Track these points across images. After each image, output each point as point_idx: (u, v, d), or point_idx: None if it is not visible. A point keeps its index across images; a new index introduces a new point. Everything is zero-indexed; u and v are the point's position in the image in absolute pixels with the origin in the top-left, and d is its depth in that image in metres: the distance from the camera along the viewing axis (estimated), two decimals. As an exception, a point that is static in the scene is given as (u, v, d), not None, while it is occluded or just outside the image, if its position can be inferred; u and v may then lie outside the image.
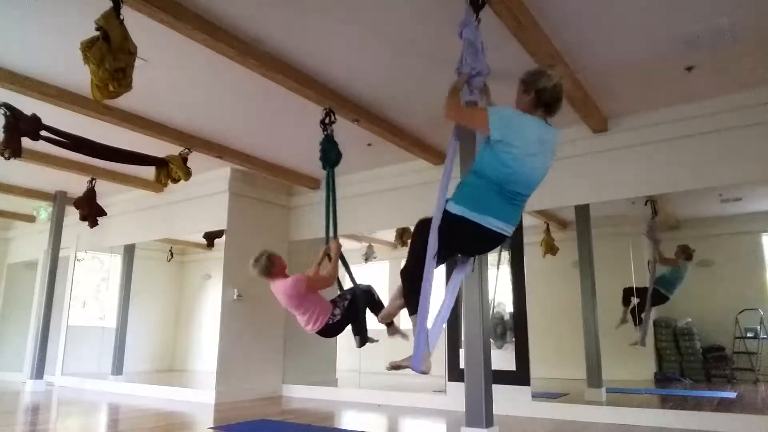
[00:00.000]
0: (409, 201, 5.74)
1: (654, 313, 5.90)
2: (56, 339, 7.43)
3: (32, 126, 4.22)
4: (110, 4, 2.82)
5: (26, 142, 4.32)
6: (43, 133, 4.30)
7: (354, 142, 5.05)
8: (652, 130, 4.53)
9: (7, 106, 4.13)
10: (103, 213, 6.56)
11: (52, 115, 4.34)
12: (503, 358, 4.90)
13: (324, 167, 4.16)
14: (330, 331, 3.79)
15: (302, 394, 6.24)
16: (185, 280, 8.76)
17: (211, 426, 4.39)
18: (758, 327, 5.47)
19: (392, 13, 3.22)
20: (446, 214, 2.36)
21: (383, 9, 3.17)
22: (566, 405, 4.67)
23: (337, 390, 6.31)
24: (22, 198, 7.23)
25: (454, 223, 2.32)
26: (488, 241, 2.41)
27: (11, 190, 6.92)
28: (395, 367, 2.60)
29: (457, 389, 4.90)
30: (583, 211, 5.28)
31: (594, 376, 5.13)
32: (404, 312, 2.65)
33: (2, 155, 4.23)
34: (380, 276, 7.40)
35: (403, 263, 2.59)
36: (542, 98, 2.28)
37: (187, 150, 5.21)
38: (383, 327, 3.79)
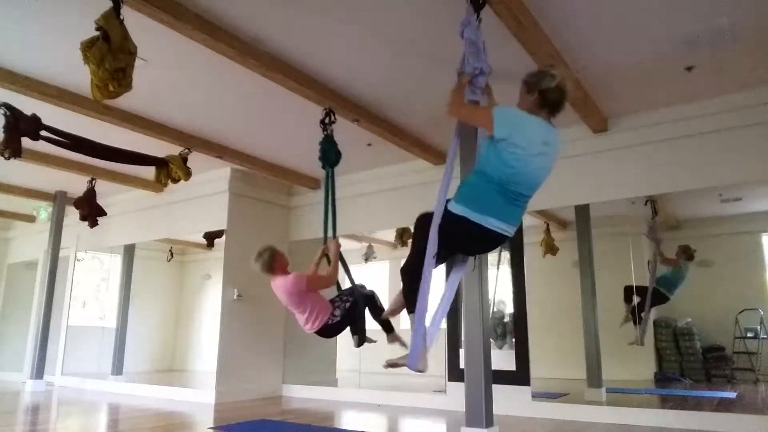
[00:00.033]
0: (409, 201, 5.74)
1: (654, 313, 5.90)
2: (56, 339, 7.43)
3: (32, 126, 4.22)
4: (110, 4, 2.82)
5: (26, 142, 4.32)
6: (43, 133, 4.30)
7: (354, 142, 5.05)
8: (652, 130, 4.53)
9: (7, 106, 4.14)
10: (103, 213, 6.57)
11: (52, 115, 4.34)
12: (503, 358, 4.90)
13: (323, 167, 4.16)
14: (329, 331, 3.79)
15: (302, 394, 6.24)
16: (185, 280, 8.76)
17: (211, 426, 4.39)
18: (758, 327, 5.47)
19: (392, 13, 3.22)
20: (448, 213, 2.35)
21: (383, 9, 3.17)
22: (566, 405, 4.67)
23: (337, 390, 6.31)
24: (22, 198, 7.23)
25: (456, 222, 2.32)
26: (489, 241, 2.41)
27: (11, 190, 6.92)
28: (392, 365, 2.61)
29: (457, 389, 4.90)
30: (583, 211, 5.29)
31: (594, 376, 5.13)
32: (405, 316, 2.64)
33: (2, 155, 4.23)
34: (380, 276, 7.40)
35: (403, 262, 2.59)
36: (547, 98, 2.28)
37: (187, 150, 5.21)
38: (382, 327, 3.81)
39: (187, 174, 5.21)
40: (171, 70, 3.95)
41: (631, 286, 5.64)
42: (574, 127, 4.64)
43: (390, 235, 7.03)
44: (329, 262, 3.99)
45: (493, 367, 3.53)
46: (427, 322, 2.45)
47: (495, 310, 5.43)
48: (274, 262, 3.82)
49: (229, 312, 5.97)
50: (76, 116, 4.44)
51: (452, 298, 2.62)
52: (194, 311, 8.54)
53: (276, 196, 6.74)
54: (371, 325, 3.81)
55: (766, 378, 5.45)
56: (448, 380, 5.24)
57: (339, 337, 4.07)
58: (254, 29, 3.39)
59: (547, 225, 6.00)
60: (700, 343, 5.78)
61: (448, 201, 2.42)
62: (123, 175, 6.33)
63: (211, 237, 6.87)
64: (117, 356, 7.43)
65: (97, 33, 2.81)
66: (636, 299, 5.59)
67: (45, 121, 4.28)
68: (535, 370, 4.85)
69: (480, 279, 3.53)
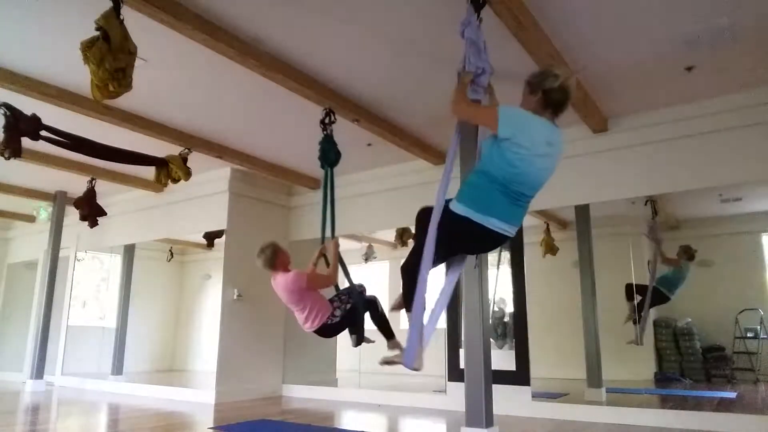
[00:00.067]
0: (409, 201, 5.74)
1: (654, 313, 5.91)
2: (56, 339, 7.43)
3: (32, 126, 4.22)
4: (110, 4, 2.82)
5: (26, 142, 4.32)
6: (43, 133, 4.30)
7: (354, 142, 5.06)
8: (652, 130, 4.53)
9: (7, 106, 4.14)
10: (103, 213, 6.57)
11: (52, 115, 4.34)
12: (503, 358, 4.90)
13: (322, 166, 4.16)
14: (328, 331, 3.79)
15: (302, 394, 6.24)
16: (185, 280, 8.76)
17: (211, 426, 4.39)
18: (758, 327, 5.47)
19: (392, 13, 3.22)
20: (450, 213, 2.34)
21: (383, 9, 3.17)
22: (566, 405, 4.67)
23: (337, 390, 6.31)
24: (22, 198, 7.23)
25: (457, 222, 2.31)
26: (490, 241, 2.40)
27: (11, 190, 6.92)
28: (388, 362, 2.63)
29: (457, 389, 4.90)
30: (583, 211, 5.29)
31: (594, 376, 5.13)
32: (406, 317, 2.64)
33: (2, 155, 4.23)
34: (380, 276, 7.41)
35: (404, 260, 2.59)
36: (550, 98, 2.27)
37: (187, 150, 5.21)
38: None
39: (187, 174, 5.21)
40: (171, 70, 3.95)
41: (633, 284, 5.64)
42: (574, 127, 4.64)
43: (390, 235, 7.04)
44: (327, 261, 3.99)
45: (493, 367, 3.54)
46: (425, 321, 2.45)
47: (496, 309, 5.43)
48: (276, 259, 3.82)
49: (229, 312, 5.97)
50: (76, 116, 4.44)
51: (449, 297, 2.62)
52: (194, 311, 8.54)
53: (276, 196, 6.74)
54: (370, 324, 3.81)
55: (766, 378, 5.45)
56: (448, 380, 5.24)
57: (339, 336, 4.07)
58: (254, 29, 3.39)
59: (547, 225, 6.00)
60: (700, 343, 5.78)
61: (449, 200, 2.41)
62: (123, 175, 6.34)
63: (211, 237, 6.87)
64: (117, 356, 7.43)
65: (97, 33, 2.81)
66: (638, 298, 5.59)
67: (45, 121, 4.28)
68: (535, 370, 4.85)
69: (480, 279, 3.53)
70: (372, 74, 4.00)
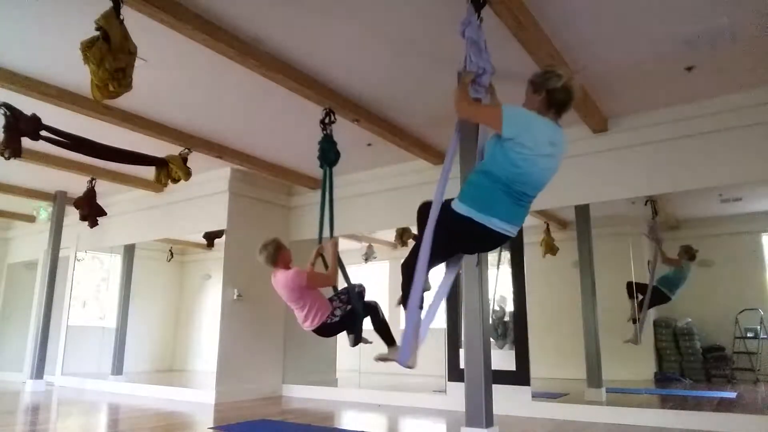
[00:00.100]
0: (409, 201, 5.71)
1: (654, 313, 5.91)
2: (56, 339, 7.43)
3: (32, 126, 4.22)
4: (110, 4, 2.82)
5: (26, 142, 4.32)
6: (43, 133, 4.30)
7: (354, 142, 5.06)
8: (652, 130, 4.53)
9: (7, 106, 4.14)
10: (103, 213, 6.57)
11: (52, 115, 4.34)
12: (503, 358, 4.90)
13: (321, 166, 4.15)
14: (327, 330, 3.79)
15: (302, 394, 6.24)
16: (185, 280, 8.76)
17: (211, 426, 4.39)
18: (758, 327, 5.47)
19: (392, 13, 3.22)
20: (452, 212, 2.34)
21: (383, 9, 3.17)
22: (566, 405, 4.67)
23: (337, 390, 6.31)
24: (22, 198, 7.23)
25: (459, 222, 2.31)
26: (492, 241, 2.41)
27: (11, 190, 6.92)
28: (382, 359, 2.63)
29: (457, 389, 4.90)
30: (583, 211, 5.29)
31: (594, 376, 5.13)
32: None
33: (2, 155, 4.23)
34: (380, 276, 7.41)
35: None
36: (554, 98, 2.27)
37: (187, 150, 5.21)
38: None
39: (187, 174, 5.22)
40: (171, 70, 3.95)
41: (634, 283, 5.64)
42: (574, 127, 4.64)
43: (390, 235, 7.04)
44: (324, 261, 3.99)
45: (493, 367, 3.53)
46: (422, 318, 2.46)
47: (497, 308, 5.43)
48: (278, 255, 3.83)
49: (229, 312, 5.97)
50: (76, 116, 4.44)
51: (445, 295, 2.63)
52: (194, 311, 8.54)
53: (276, 196, 6.74)
54: (368, 325, 3.81)
55: (766, 378, 5.45)
56: (448, 380, 5.24)
57: (339, 336, 4.07)
58: (254, 29, 3.39)
59: (547, 225, 6.01)
60: (700, 343, 5.78)
61: (451, 200, 2.41)
62: (123, 175, 6.33)
63: (211, 237, 6.87)
64: (117, 356, 7.43)
65: (97, 33, 2.81)
66: (639, 297, 5.59)
67: (45, 121, 4.28)
68: (535, 370, 4.85)
69: (480, 279, 3.53)
70: (372, 74, 4.00)
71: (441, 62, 3.73)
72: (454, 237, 2.39)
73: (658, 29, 3.38)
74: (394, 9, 3.17)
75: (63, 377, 7.44)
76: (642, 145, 4.56)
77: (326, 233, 4.00)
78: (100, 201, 6.56)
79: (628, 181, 4.60)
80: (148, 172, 5.52)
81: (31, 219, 8.35)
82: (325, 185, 4.07)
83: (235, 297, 6.01)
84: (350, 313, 3.74)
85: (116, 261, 7.84)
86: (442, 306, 5.29)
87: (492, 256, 4.56)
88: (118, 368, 7.38)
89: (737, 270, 5.63)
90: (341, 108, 4.30)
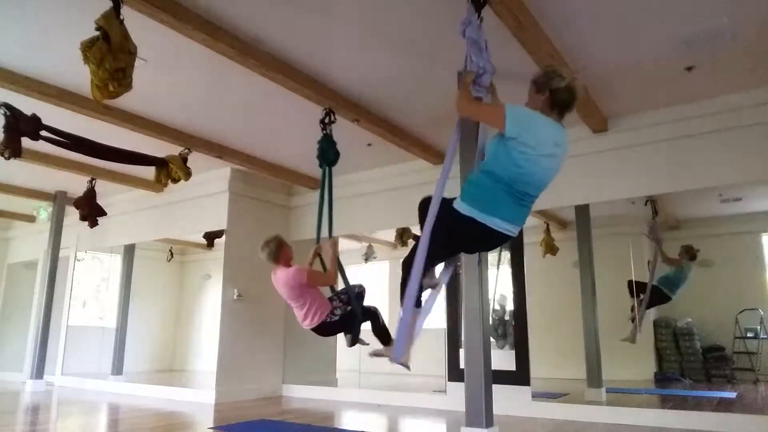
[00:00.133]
0: (409, 201, 5.69)
1: (654, 313, 5.91)
2: (56, 339, 7.43)
3: (32, 126, 4.22)
4: (110, 4, 2.82)
5: (26, 142, 4.32)
6: (43, 133, 4.30)
7: (354, 142, 5.06)
8: (652, 130, 4.53)
9: (7, 106, 4.14)
10: (103, 213, 6.57)
11: (52, 115, 4.34)
12: (503, 358, 4.90)
13: (321, 165, 4.14)
14: (326, 329, 3.79)
15: (302, 394, 6.24)
16: (185, 280, 8.76)
17: (211, 426, 4.39)
18: (758, 327, 5.47)
19: (392, 13, 3.22)
20: (454, 212, 2.33)
21: (383, 9, 3.17)
22: (566, 405, 4.67)
23: (337, 390, 6.31)
24: (22, 198, 7.23)
25: (461, 222, 2.31)
26: (493, 241, 2.41)
27: (11, 190, 6.92)
28: (377, 354, 2.64)
29: (457, 389, 4.90)
30: (583, 211, 5.29)
31: (594, 376, 5.13)
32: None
33: (2, 155, 4.23)
34: (380, 276, 7.41)
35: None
36: (557, 98, 2.26)
37: (187, 150, 5.21)
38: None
39: (187, 174, 5.21)
40: (171, 70, 3.95)
41: (635, 281, 5.64)
42: (574, 127, 4.64)
43: (390, 235, 7.03)
44: (322, 261, 3.99)
45: (493, 367, 3.53)
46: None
47: (497, 307, 5.43)
48: (279, 252, 3.83)
49: (229, 312, 5.97)
50: (76, 116, 4.44)
51: (439, 294, 2.63)
52: (194, 311, 8.54)
53: (276, 196, 6.74)
54: (366, 326, 3.81)
55: (766, 378, 5.45)
56: (448, 380, 5.24)
57: (339, 336, 4.07)
58: (254, 29, 3.39)
59: (547, 225, 6.00)
60: (700, 343, 5.78)
61: (452, 199, 2.41)
62: (123, 175, 6.33)
63: (211, 237, 6.87)
64: (117, 356, 7.43)
65: (97, 33, 2.81)
66: (641, 296, 5.60)
67: (45, 121, 4.28)
68: (535, 370, 4.85)
69: (480, 279, 3.53)
70: (372, 74, 4.00)
71: (441, 62, 3.73)
72: (455, 237, 2.39)
73: (658, 29, 3.38)
74: (394, 9, 3.17)
75: (63, 377, 7.44)
76: (642, 145, 4.56)
77: (325, 233, 4.00)
78: (100, 201, 6.56)
79: (628, 181, 4.60)
80: (148, 172, 5.52)
81: (31, 219, 8.35)
82: (324, 185, 4.06)
83: (235, 297, 6.01)
84: (350, 313, 3.74)
85: (116, 261, 7.84)
86: (442, 306, 5.34)
87: (492, 256, 4.55)
88: (118, 368, 7.38)
89: (737, 270, 5.63)
90: (341, 108, 4.30)
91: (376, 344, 3.75)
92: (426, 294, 2.61)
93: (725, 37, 3.40)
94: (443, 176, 2.50)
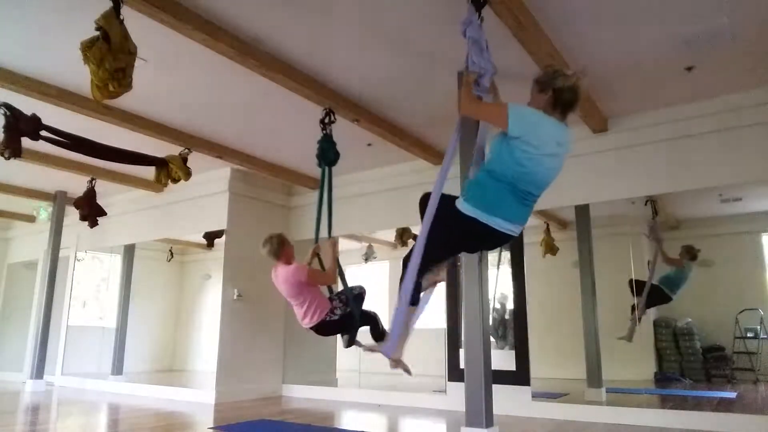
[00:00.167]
0: (409, 201, 5.70)
1: (654, 313, 5.91)
2: (56, 339, 7.43)
3: (32, 126, 4.22)
4: (110, 4, 2.82)
5: (26, 142, 4.32)
6: (43, 133, 4.30)
7: (354, 142, 5.06)
8: (652, 130, 4.53)
9: (7, 106, 4.14)
10: (103, 213, 6.57)
11: (52, 115, 4.34)
12: (503, 358, 4.90)
13: (319, 164, 4.13)
14: (326, 328, 3.79)
15: (302, 394, 6.24)
16: (185, 280, 8.76)
17: (211, 426, 4.39)
18: (758, 327, 5.47)
19: (392, 13, 3.22)
20: (456, 212, 2.32)
21: (383, 9, 3.17)
22: (566, 405, 4.67)
23: (337, 390, 6.31)
24: (22, 198, 7.23)
25: (464, 222, 2.30)
26: (495, 240, 2.41)
27: (11, 190, 6.92)
28: (370, 349, 2.67)
29: (457, 389, 4.90)
30: (583, 211, 5.29)
31: (594, 376, 5.13)
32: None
33: (2, 155, 4.23)
34: (380, 276, 7.41)
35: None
36: (560, 98, 2.26)
37: (187, 150, 5.22)
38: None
39: (187, 174, 5.21)
40: (171, 70, 3.95)
41: (636, 280, 5.63)
42: (574, 127, 4.58)
43: (390, 235, 7.03)
44: (320, 261, 3.99)
45: (493, 367, 3.53)
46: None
47: (497, 306, 5.43)
48: (281, 249, 3.85)
49: (229, 312, 5.97)
50: (76, 116, 4.44)
51: (430, 296, 2.63)
52: (194, 311, 8.54)
53: (276, 196, 6.74)
54: (364, 330, 3.81)
55: (766, 378, 5.45)
56: (448, 380, 5.24)
57: (338, 336, 4.07)
58: (254, 29, 3.39)
59: (547, 225, 6.00)
60: (700, 343, 5.78)
61: (454, 198, 2.40)
62: (123, 175, 6.33)
63: (211, 237, 6.87)
64: (117, 356, 7.43)
65: (97, 33, 2.81)
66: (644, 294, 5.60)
67: (45, 121, 4.28)
68: (535, 370, 4.85)
69: (480, 279, 3.53)
70: (372, 74, 4.00)
71: (441, 62, 3.73)
72: (457, 236, 2.39)
73: (658, 29, 3.38)
74: (394, 9, 3.17)
75: (63, 377, 7.44)
76: (642, 145, 4.56)
77: (324, 233, 4.00)
78: (100, 201, 6.56)
79: (628, 181, 4.60)
80: (148, 172, 5.52)
81: (31, 219, 8.35)
82: (324, 185, 4.06)
83: (235, 297, 6.01)
84: (350, 314, 3.75)
85: (116, 261, 7.84)
86: (443, 306, 5.34)
87: (492, 256, 4.56)
88: (118, 368, 7.38)
89: (737, 270, 5.62)
90: (341, 108, 4.30)
91: (365, 357, 3.76)
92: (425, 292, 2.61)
93: (725, 37, 3.40)
94: (442, 175, 2.50)
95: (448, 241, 2.43)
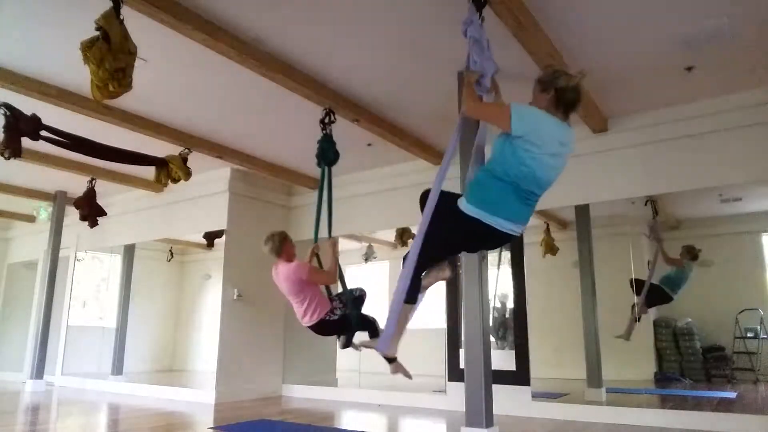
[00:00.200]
0: (409, 201, 5.69)
1: (654, 313, 5.91)
2: (56, 339, 7.43)
3: (32, 126, 4.22)
4: (110, 4, 2.82)
5: (26, 142, 4.32)
6: (43, 133, 4.30)
7: (354, 142, 5.06)
8: (652, 130, 4.53)
9: (7, 106, 4.14)
10: (103, 213, 6.57)
11: (52, 115, 4.34)
12: (503, 358, 4.90)
13: (319, 164, 4.12)
14: (325, 327, 3.78)
15: (302, 394, 6.24)
16: (185, 280, 8.76)
17: (211, 426, 4.39)
18: (758, 327, 5.47)
19: (392, 13, 3.22)
20: (459, 213, 2.31)
21: (383, 9, 3.17)
22: (566, 405, 4.67)
23: (337, 390, 6.31)
24: (22, 198, 7.23)
25: (466, 222, 2.29)
26: (497, 241, 2.41)
27: (11, 190, 6.92)
28: (365, 345, 2.81)
29: (457, 389, 4.90)
30: (583, 211, 5.29)
31: (594, 376, 5.13)
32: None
33: (2, 155, 4.23)
34: (380, 276, 7.41)
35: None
36: (563, 98, 2.25)
37: (187, 150, 5.22)
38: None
39: (187, 174, 5.22)
40: (171, 70, 3.95)
41: (638, 279, 5.63)
42: (574, 127, 4.59)
43: (390, 235, 7.03)
44: (320, 261, 3.99)
45: (493, 367, 3.53)
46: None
47: (498, 305, 5.43)
48: (283, 247, 3.85)
49: (229, 312, 5.97)
50: (76, 116, 4.44)
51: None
52: (194, 311, 8.54)
53: (276, 196, 6.74)
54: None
55: (766, 378, 5.45)
56: (448, 380, 5.24)
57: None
58: (254, 29, 3.39)
59: (547, 225, 6.00)
60: (700, 343, 5.78)
61: (456, 197, 2.39)
62: (123, 175, 6.34)
63: (211, 237, 6.87)
64: (117, 356, 7.43)
65: (97, 33, 2.81)
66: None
67: (45, 121, 4.28)
68: (535, 370, 4.85)
69: (480, 279, 3.53)
70: (372, 74, 4.00)
71: (441, 62, 3.73)
72: (459, 236, 2.38)
73: (658, 29, 3.38)
74: (395, 9, 3.17)
75: (63, 377, 7.44)
76: (642, 145, 4.56)
77: (324, 233, 3.99)
78: (100, 201, 6.56)
79: (628, 181, 4.60)
80: (148, 172, 5.52)
81: (31, 219, 8.35)
82: (323, 185, 4.05)
83: (235, 297, 6.01)
84: (347, 317, 3.74)
85: (116, 261, 7.84)
86: (443, 306, 5.34)
87: (492, 256, 4.56)
88: (118, 368, 7.37)
89: (737, 270, 5.62)
90: (341, 108, 4.30)
91: (369, 352, 3.76)
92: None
93: (725, 37, 3.40)
94: (441, 174, 2.49)
95: (450, 241, 2.43)
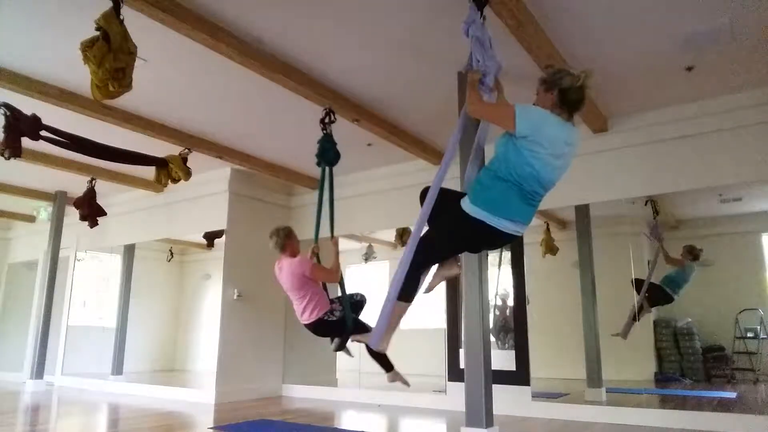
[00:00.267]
0: (410, 201, 5.70)
1: (654, 313, 5.90)
2: (56, 339, 7.43)
3: (32, 126, 4.22)
4: (110, 4, 2.82)
5: (26, 142, 4.32)
6: (43, 133, 4.29)
7: (354, 142, 5.06)
8: (652, 130, 4.53)
9: (7, 106, 4.13)
10: (103, 213, 6.57)
11: (52, 115, 4.34)
12: (503, 358, 4.90)
13: (318, 164, 4.11)
14: (323, 327, 3.77)
15: (302, 394, 6.24)
16: (185, 280, 8.75)
17: (211, 426, 4.39)
18: (758, 327, 5.47)
19: (392, 13, 3.22)
20: (462, 214, 2.30)
21: (383, 9, 3.17)
22: (566, 405, 4.67)
23: (337, 390, 6.31)
24: (22, 198, 7.23)
25: (469, 223, 2.29)
26: (498, 242, 2.40)
27: (11, 190, 6.92)
28: (358, 341, 2.86)
29: (457, 389, 4.90)
30: (583, 211, 5.28)
31: (594, 376, 5.13)
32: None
33: (2, 155, 4.23)
34: (380, 276, 7.40)
35: None
36: (567, 97, 2.25)
37: (187, 150, 5.22)
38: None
39: (187, 174, 5.22)
40: (171, 70, 3.95)
41: (640, 279, 5.63)
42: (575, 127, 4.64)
43: (390, 235, 7.03)
44: (319, 261, 3.99)
45: (493, 367, 3.53)
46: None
47: (499, 302, 5.43)
48: (287, 241, 3.87)
49: (229, 312, 5.97)
50: (76, 116, 4.44)
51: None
52: (194, 311, 8.54)
53: (276, 196, 6.74)
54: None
55: (766, 378, 5.44)
56: (448, 380, 5.24)
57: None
58: (254, 29, 3.39)
59: (547, 225, 6.00)
60: (700, 343, 5.78)
61: (458, 196, 2.39)
62: (123, 175, 6.34)
63: (211, 237, 6.86)
64: (117, 356, 7.43)
65: (97, 33, 2.81)
66: (646, 294, 5.59)
67: (45, 121, 4.28)
68: (535, 370, 4.85)
69: (480, 279, 3.53)
70: (372, 74, 4.00)
71: (441, 62, 3.73)
72: (461, 237, 2.38)
73: (658, 29, 3.38)
74: (394, 9, 3.17)
75: (63, 377, 7.44)
76: (642, 145, 4.56)
77: (324, 233, 3.99)
78: (100, 201, 6.56)
79: (628, 181, 4.60)
80: (148, 172, 5.52)
81: (31, 219, 8.35)
82: (323, 185, 4.04)
83: (235, 297, 6.01)
84: (344, 320, 3.73)
85: (116, 261, 7.84)
86: (443, 306, 5.34)
87: (492, 256, 4.56)
88: (118, 368, 7.37)
89: (737, 270, 5.62)
90: (341, 108, 4.30)
91: (363, 354, 3.76)
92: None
93: (725, 37, 3.40)
94: (440, 174, 2.48)
95: (452, 241, 2.42)
